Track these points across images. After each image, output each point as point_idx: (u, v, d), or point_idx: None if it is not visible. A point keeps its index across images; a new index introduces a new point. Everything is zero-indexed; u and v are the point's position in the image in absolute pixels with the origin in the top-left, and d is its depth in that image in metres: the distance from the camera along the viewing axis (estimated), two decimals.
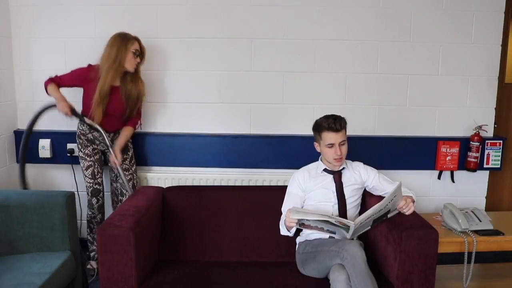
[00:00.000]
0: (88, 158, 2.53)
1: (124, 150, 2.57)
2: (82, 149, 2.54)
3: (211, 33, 2.71)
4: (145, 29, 2.69)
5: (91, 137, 2.53)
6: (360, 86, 2.76)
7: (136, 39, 2.44)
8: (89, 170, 2.53)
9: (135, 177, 2.63)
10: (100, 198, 2.57)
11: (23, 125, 2.82)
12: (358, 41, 2.72)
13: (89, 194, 2.55)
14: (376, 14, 2.70)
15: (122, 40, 2.39)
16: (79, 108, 2.51)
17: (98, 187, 2.56)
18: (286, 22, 2.70)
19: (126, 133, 2.56)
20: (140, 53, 2.46)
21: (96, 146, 2.56)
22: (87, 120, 2.45)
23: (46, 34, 2.73)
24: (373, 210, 1.84)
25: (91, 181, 2.54)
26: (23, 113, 2.82)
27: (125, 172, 2.56)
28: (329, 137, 2.06)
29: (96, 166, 2.54)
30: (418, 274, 1.82)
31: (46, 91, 2.44)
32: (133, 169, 2.62)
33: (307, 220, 1.85)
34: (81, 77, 2.45)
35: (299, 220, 1.84)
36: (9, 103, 2.76)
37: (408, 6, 2.69)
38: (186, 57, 2.74)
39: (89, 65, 2.47)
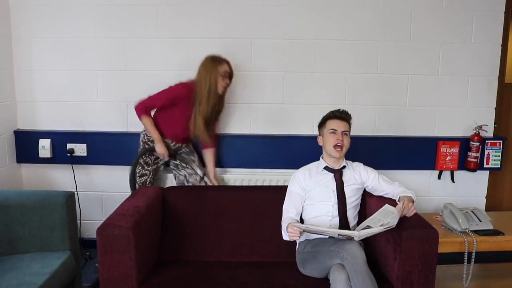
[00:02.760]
0: (146, 167, 2.51)
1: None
2: (143, 156, 2.51)
3: (211, 33, 2.71)
4: (145, 30, 2.69)
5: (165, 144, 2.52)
6: (360, 86, 2.77)
7: (226, 61, 2.46)
8: (142, 178, 2.52)
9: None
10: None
11: (23, 125, 2.83)
12: (358, 41, 2.72)
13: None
14: (376, 14, 2.70)
15: (212, 62, 2.42)
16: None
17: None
18: (286, 22, 2.70)
19: (212, 157, 2.65)
20: (229, 75, 2.47)
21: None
22: (172, 161, 2.58)
23: (46, 34, 2.73)
24: (379, 230, 1.84)
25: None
26: (23, 113, 2.82)
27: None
28: (333, 123, 2.11)
29: (150, 176, 2.53)
30: (418, 274, 1.82)
31: (140, 118, 2.46)
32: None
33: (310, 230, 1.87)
34: (176, 99, 2.44)
35: (301, 233, 1.88)
36: (9, 103, 2.76)
37: (408, 6, 2.69)
38: (185, 57, 2.74)
39: (182, 84, 2.45)
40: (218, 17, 2.70)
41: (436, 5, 2.70)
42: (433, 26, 2.71)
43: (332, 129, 2.10)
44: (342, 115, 2.12)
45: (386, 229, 1.84)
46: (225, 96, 2.55)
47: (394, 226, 1.85)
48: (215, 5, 2.69)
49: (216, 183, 2.65)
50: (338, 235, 1.85)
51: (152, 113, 2.51)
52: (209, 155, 2.66)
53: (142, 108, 2.44)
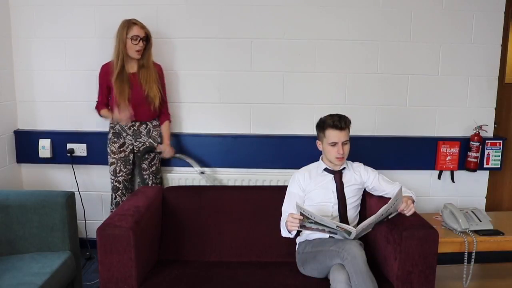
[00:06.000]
0: (112, 155, 2.57)
1: (153, 148, 2.59)
2: (109, 145, 2.59)
3: (211, 33, 2.71)
4: None
5: (119, 128, 2.56)
6: (360, 86, 2.76)
7: (136, 23, 2.43)
8: (112, 167, 2.58)
9: (150, 178, 2.61)
10: (117, 196, 2.60)
11: (23, 125, 2.83)
12: (358, 41, 2.72)
13: (111, 189, 2.61)
14: (376, 14, 2.70)
15: (121, 27, 2.42)
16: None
17: (118, 185, 2.59)
18: (286, 22, 2.70)
19: (166, 129, 2.64)
20: (143, 39, 2.43)
21: (125, 141, 2.57)
22: (178, 155, 2.68)
23: (46, 34, 2.73)
24: (375, 217, 1.85)
25: (112, 178, 2.59)
26: (23, 113, 2.82)
27: (142, 171, 2.59)
28: (333, 135, 2.06)
29: (119, 164, 2.57)
30: (418, 274, 1.82)
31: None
32: (150, 170, 2.61)
33: (309, 222, 1.85)
34: (103, 81, 2.51)
35: (300, 221, 1.84)
36: (9, 103, 2.76)
37: (408, 6, 2.69)
38: (186, 57, 2.74)
39: (102, 66, 2.53)
40: (218, 17, 2.70)
41: (436, 5, 2.70)
42: (433, 26, 2.71)
43: (332, 142, 2.06)
44: (342, 125, 2.05)
45: (379, 219, 1.86)
46: (150, 60, 2.51)
47: (386, 216, 1.88)
48: (215, 5, 2.69)
49: (169, 152, 2.62)
50: (337, 226, 1.84)
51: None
52: (163, 127, 2.64)
53: (96, 109, 2.59)
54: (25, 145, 2.79)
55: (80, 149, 2.78)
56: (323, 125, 2.11)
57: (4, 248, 2.06)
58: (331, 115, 2.10)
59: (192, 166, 2.70)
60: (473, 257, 2.27)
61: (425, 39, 2.72)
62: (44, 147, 2.77)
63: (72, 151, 2.77)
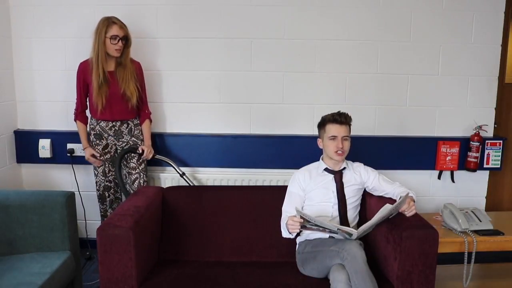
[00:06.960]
0: (98, 157, 2.56)
1: (133, 149, 2.57)
2: (93, 148, 2.56)
3: (211, 33, 2.71)
4: (145, 29, 2.69)
5: (99, 129, 2.54)
6: (360, 86, 2.77)
7: (116, 23, 2.40)
8: (100, 168, 2.57)
9: (141, 176, 2.60)
10: (111, 194, 2.61)
11: (23, 125, 2.83)
12: (358, 41, 2.72)
13: (101, 189, 2.60)
14: (376, 14, 2.70)
15: (101, 26, 2.38)
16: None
17: (109, 184, 2.60)
18: (286, 22, 2.70)
19: (146, 128, 2.60)
20: (122, 38, 2.40)
21: (108, 142, 2.55)
22: (158, 156, 2.66)
23: (46, 34, 2.73)
24: (377, 219, 1.85)
25: (103, 178, 2.58)
26: (23, 113, 2.82)
27: (131, 170, 2.58)
28: (333, 129, 2.07)
29: (107, 165, 2.57)
30: (418, 274, 1.82)
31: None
32: (140, 168, 2.60)
33: (309, 224, 1.85)
34: (80, 79, 2.48)
35: (301, 223, 1.84)
36: (9, 103, 2.76)
37: (408, 6, 2.69)
38: (186, 57, 2.74)
39: (80, 64, 2.50)
40: (218, 17, 2.70)
41: (436, 5, 2.70)
42: (433, 26, 2.71)
43: (332, 136, 2.08)
44: (342, 119, 2.07)
45: (380, 220, 1.87)
46: (128, 58, 2.47)
47: (387, 217, 1.88)
48: (215, 5, 2.69)
49: (149, 154, 2.58)
50: (338, 229, 1.85)
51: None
52: (144, 126, 2.60)
53: (74, 114, 2.57)
54: (25, 145, 2.79)
55: (80, 149, 2.77)
56: (323, 121, 2.14)
57: (4, 248, 2.06)
58: (332, 112, 2.13)
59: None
60: (473, 257, 2.27)
61: (425, 39, 2.73)
62: (44, 147, 2.77)
63: (72, 151, 2.77)
